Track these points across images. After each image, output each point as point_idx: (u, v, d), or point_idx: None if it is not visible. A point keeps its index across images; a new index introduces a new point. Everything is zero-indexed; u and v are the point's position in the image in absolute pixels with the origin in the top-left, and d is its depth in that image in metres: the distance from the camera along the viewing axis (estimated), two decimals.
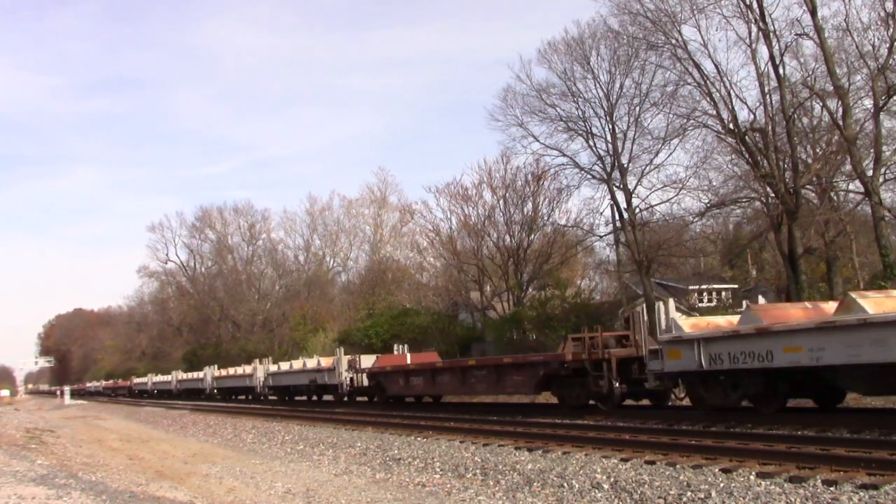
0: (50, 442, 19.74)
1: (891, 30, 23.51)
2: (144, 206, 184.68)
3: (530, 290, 39.82)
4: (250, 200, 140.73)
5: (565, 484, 8.84)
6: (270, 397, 34.37)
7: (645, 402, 17.05)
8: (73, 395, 70.23)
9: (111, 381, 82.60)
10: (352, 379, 25.68)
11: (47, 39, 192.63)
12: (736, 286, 41.89)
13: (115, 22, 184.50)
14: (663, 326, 14.31)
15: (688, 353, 13.58)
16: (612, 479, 8.73)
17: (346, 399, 26.71)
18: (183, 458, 14.94)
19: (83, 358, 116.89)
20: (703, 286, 41.26)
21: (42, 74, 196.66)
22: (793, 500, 7.20)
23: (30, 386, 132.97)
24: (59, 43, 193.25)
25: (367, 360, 25.78)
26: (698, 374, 13.60)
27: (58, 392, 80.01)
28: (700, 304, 37.74)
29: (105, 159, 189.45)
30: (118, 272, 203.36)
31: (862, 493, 7.16)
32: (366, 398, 26.94)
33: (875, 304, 11.34)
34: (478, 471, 10.33)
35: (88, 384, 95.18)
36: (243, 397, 39.13)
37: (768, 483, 7.91)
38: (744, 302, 19.71)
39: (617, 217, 33.90)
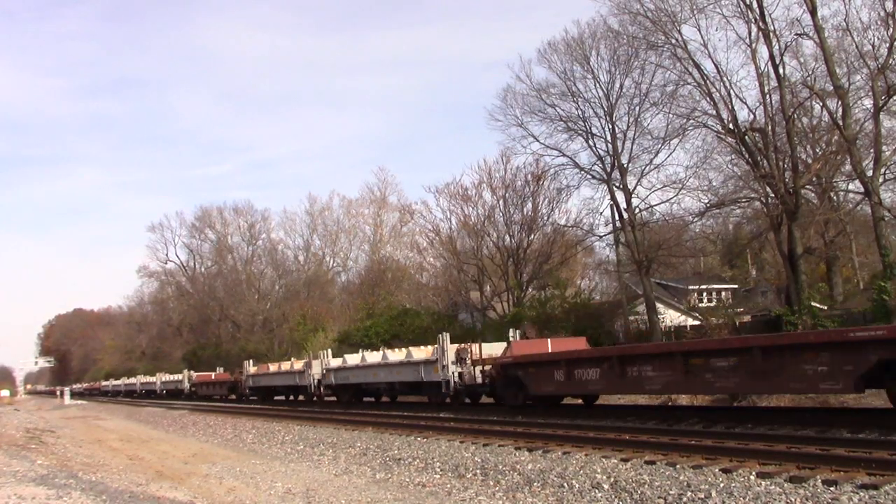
0: (50, 442, 19.74)
1: (891, 30, 23.53)
2: (144, 206, 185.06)
3: (530, 290, 39.83)
4: (250, 200, 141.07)
5: (565, 484, 8.83)
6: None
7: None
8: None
9: (88, 384, 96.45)
10: (190, 386, 49.18)
11: (48, 41, 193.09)
12: (736, 286, 41.92)
13: (116, 23, 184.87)
14: None
15: None
16: (612, 479, 8.73)
17: (191, 397, 47.84)
18: (183, 459, 14.94)
19: (83, 358, 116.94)
20: (703, 286, 41.26)
21: (43, 76, 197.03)
22: (793, 500, 7.20)
23: (29, 386, 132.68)
24: (60, 44, 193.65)
25: (195, 375, 50.30)
26: None
27: (58, 392, 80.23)
28: (700, 304, 37.76)
29: (106, 160, 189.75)
30: (118, 272, 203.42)
31: (862, 493, 7.15)
32: (195, 396, 47.52)
33: None
34: (478, 471, 10.32)
35: (75, 385, 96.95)
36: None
37: (768, 483, 7.91)
38: None
39: (617, 217, 33.89)
